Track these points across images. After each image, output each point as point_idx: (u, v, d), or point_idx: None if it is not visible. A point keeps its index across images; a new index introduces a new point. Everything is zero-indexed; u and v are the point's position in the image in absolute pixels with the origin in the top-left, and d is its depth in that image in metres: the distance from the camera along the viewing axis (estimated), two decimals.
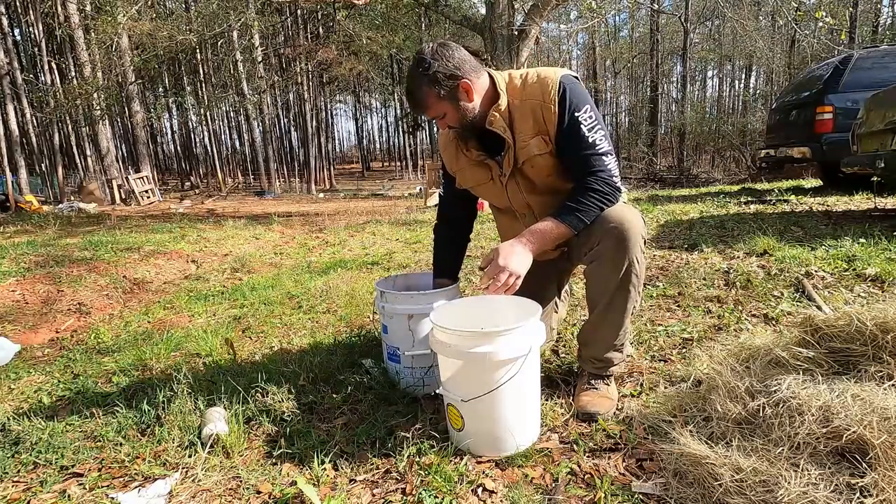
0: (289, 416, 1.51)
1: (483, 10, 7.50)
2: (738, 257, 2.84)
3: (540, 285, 1.72)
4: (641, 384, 1.57)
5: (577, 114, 1.39)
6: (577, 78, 1.45)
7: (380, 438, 1.36)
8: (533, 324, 1.27)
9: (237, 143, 29.08)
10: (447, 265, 1.77)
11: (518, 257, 1.31)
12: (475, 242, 4.29)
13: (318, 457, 1.28)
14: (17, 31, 19.22)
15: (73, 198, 13.52)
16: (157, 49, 10.26)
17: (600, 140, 1.39)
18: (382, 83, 24.81)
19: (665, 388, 1.53)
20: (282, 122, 25.95)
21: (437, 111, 1.43)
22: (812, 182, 6.94)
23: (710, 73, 32.76)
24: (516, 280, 1.31)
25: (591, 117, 1.39)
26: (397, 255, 4.10)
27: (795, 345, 1.34)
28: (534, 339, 1.25)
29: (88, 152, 16.55)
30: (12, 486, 1.30)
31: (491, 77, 1.46)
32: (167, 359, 2.10)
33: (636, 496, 1.09)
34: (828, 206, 4.45)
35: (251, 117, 18.95)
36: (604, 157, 1.39)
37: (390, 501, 1.14)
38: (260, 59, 17.96)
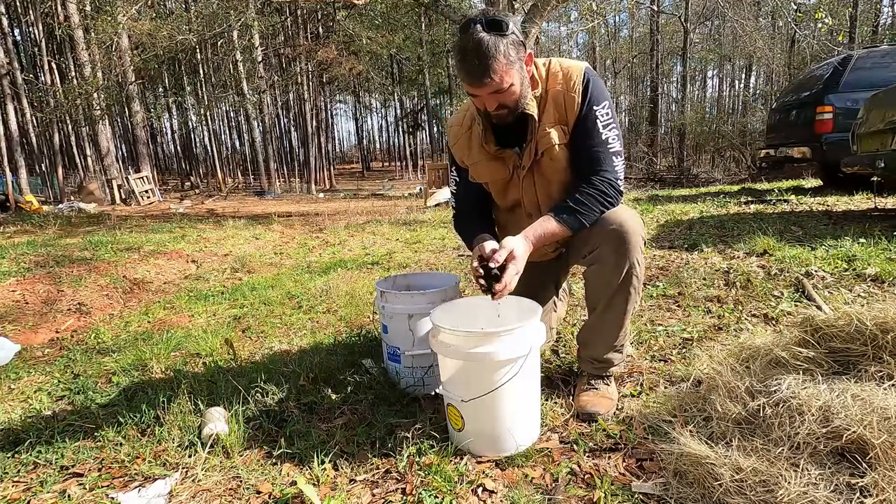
0: (289, 416, 1.51)
1: None
2: (738, 257, 2.84)
3: (538, 286, 1.72)
4: (641, 384, 1.57)
5: (595, 107, 1.37)
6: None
7: (380, 438, 1.37)
8: (533, 324, 1.27)
9: (237, 143, 29.06)
10: (483, 231, 1.50)
11: (525, 261, 1.30)
12: None
13: (318, 457, 1.28)
14: (17, 31, 19.23)
15: (73, 198, 13.50)
16: (157, 49, 10.25)
17: (613, 139, 1.38)
18: (382, 83, 24.81)
19: (665, 388, 1.53)
20: (282, 122, 25.94)
21: (506, 80, 1.26)
22: (812, 182, 6.93)
23: (710, 73, 32.78)
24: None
25: (607, 114, 1.38)
26: (397, 255, 4.10)
27: (795, 345, 1.34)
28: (534, 339, 1.25)
29: (88, 152, 16.55)
30: (12, 486, 1.30)
31: None
32: (167, 359, 2.09)
33: (636, 496, 1.09)
34: (828, 206, 4.45)
35: (251, 117, 18.94)
36: (613, 157, 1.38)
37: (390, 501, 1.14)
38: (260, 59, 17.96)
